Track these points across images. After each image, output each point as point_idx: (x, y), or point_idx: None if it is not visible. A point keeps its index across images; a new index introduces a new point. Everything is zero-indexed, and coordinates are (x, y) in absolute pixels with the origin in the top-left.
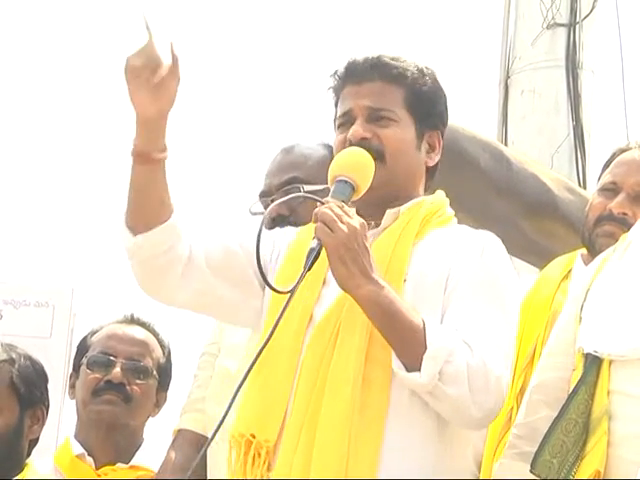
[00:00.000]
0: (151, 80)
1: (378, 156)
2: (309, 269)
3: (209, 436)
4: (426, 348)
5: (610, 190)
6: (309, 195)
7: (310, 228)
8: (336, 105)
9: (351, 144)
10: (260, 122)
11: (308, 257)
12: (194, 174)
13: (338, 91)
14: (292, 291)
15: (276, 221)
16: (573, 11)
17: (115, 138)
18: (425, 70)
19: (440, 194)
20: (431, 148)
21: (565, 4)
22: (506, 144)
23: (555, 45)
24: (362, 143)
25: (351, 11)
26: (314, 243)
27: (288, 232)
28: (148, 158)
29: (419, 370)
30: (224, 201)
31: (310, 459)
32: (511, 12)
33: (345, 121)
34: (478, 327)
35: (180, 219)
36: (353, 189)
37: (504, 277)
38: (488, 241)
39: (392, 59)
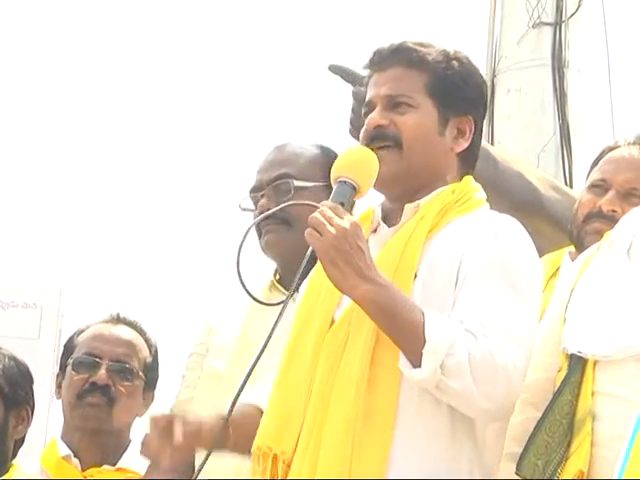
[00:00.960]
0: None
1: (396, 143)
2: (304, 277)
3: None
4: (425, 342)
5: (599, 187)
6: (302, 202)
7: None
8: None
9: (369, 133)
10: (254, 119)
11: (302, 263)
12: (190, 170)
13: (368, 83)
14: (284, 302)
15: (267, 216)
16: (559, 10)
17: (103, 139)
18: (453, 54)
19: (467, 180)
20: (460, 134)
21: (551, 3)
22: (492, 143)
23: (541, 44)
24: (378, 131)
25: (340, 10)
26: (309, 250)
27: None
28: None
29: (420, 366)
30: (218, 196)
31: (316, 465)
32: (497, 11)
33: (368, 111)
34: (486, 315)
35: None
36: (355, 190)
37: (519, 260)
38: (503, 224)
39: (415, 44)
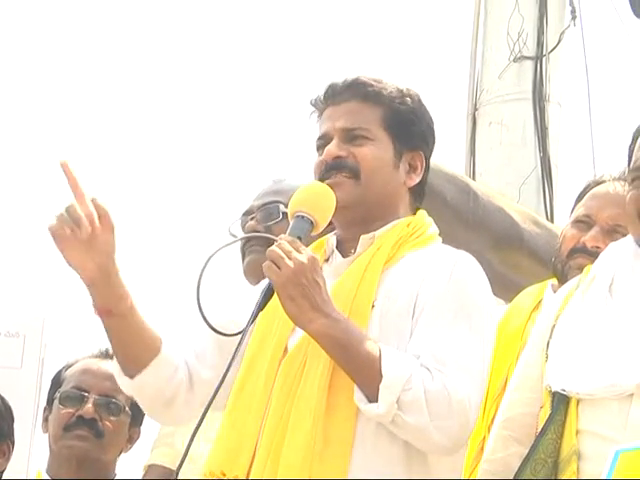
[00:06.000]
0: (78, 238)
1: (353, 174)
2: (261, 308)
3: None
4: (382, 377)
5: (584, 223)
6: (261, 234)
7: None
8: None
9: (326, 164)
10: (248, 147)
11: (260, 295)
12: (178, 200)
13: (319, 117)
14: (243, 332)
15: (251, 238)
16: (540, 44)
17: (89, 162)
18: (406, 91)
19: (420, 214)
20: (412, 169)
21: (532, 37)
22: (474, 176)
23: (522, 78)
24: (337, 162)
25: (325, 45)
26: (266, 282)
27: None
28: (110, 313)
29: (377, 401)
30: (207, 226)
31: None
32: (478, 45)
33: (323, 143)
34: (442, 350)
35: (169, 345)
36: (312, 224)
37: (475, 296)
38: (459, 261)
39: (370, 79)
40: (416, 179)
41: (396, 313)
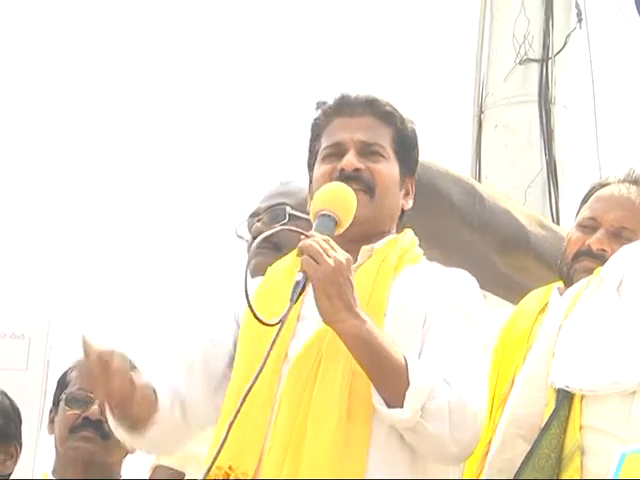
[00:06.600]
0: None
1: (368, 190)
2: (295, 301)
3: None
4: (409, 384)
5: (589, 226)
6: (293, 229)
7: (278, 265)
8: (316, 139)
9: (343, 173)
10: (248, 154)
11: (294, 290)
12: (178, 204)
13: (324, 125)
14: (282, 322)
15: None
16: (545, 47)
17: (89, 167)
18: (408, 117)
19: (410, 233)
20: (407, 193)
21: (537, 40)
22: (479, 178)
23: (528, 80)
24: (355, 174)
25: (331, 48)
26: (299, 276)
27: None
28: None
29: (401, 406)
30: (207, 227)
31: None
32: (484, 48)
33: (334, 152)
34: (455, 364)
35: (160, 391)
36: (336, 224)
37: (478, 313)
38: (462, 279)
39: (382, 98)
40: (410, 203)
41: (407, 323)
